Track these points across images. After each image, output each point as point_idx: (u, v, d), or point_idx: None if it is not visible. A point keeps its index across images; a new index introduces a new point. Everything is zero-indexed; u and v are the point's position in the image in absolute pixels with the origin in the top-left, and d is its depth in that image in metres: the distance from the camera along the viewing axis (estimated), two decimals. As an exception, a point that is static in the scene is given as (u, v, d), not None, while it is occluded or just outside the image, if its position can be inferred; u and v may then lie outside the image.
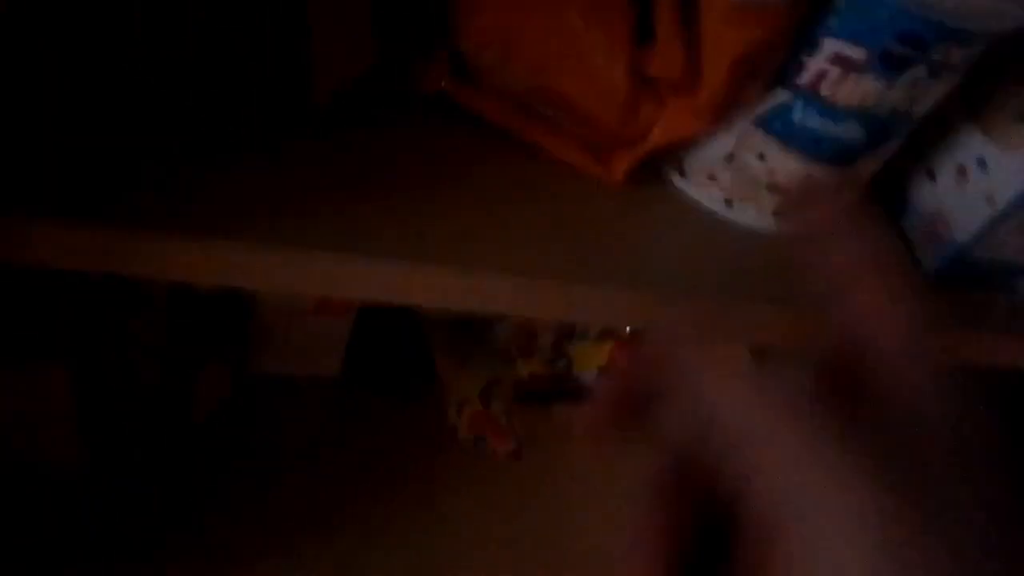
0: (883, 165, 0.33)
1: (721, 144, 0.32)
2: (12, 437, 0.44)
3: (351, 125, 0.31)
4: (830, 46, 0.28)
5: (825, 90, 0.29)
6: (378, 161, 0.31)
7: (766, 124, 0.30)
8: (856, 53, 0.28)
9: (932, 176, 0.35)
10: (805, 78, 0.29)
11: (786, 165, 0.31)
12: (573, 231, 0.31)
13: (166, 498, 0.48)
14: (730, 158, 0.32)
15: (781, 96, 0.30)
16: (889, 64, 0.28)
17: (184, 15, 0.27)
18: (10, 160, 0.26)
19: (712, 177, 0.33)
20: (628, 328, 0.54)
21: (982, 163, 0.32)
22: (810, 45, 0.28)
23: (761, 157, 0.31)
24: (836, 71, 0.28)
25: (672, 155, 0.33)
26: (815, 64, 0.29)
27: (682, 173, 0.34)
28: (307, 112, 0.30)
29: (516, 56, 0.30)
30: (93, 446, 0.46)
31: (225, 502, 0.50)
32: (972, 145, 0.33)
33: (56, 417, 0.44)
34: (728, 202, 0.33)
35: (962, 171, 0.33)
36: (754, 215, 0.33)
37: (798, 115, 0.30)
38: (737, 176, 0.32)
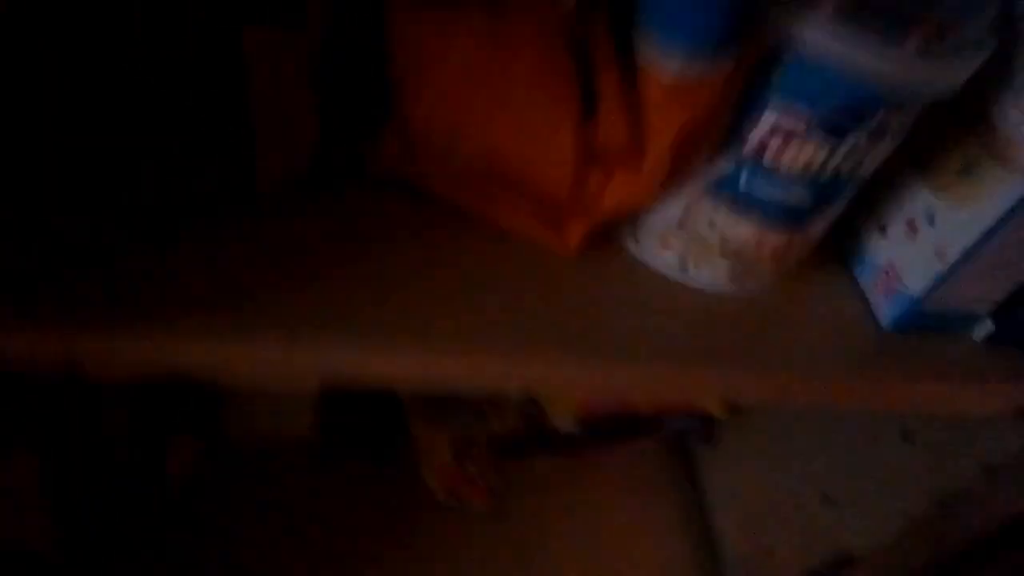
0: (835, 220, 0.33)
1: (671, 211, 0.32)
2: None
3: (298, 206, 0.31)
4: (770, 117, 0.28)
5: (769, 158, 0.29)
6: (325, 241, 0.31)
7: (714, 191, 0.31)
8: (795, 123, 0.28)
9: (883, 231, 0.35)
10: (748, 148, 0.29)
11: (736, 230, 0.31)
12: (529, 302, 0.31)
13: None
14: (681, 224, 0.32)
15: (726, 165, 0.30)
16: (829, 131, 0.28)
17: (121, 106, 0.27)
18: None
19: (665, 243, 0.33)
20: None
21: (930, 217, 0.33)
22: (750, 116, 0.29)
23: (711, 223, 0.31)
24: (778, 140, 0.29)
25: (625, 222, 0.34)
26: (757, 134, 0.29)
27: (636, 239, 0.34)
28: (251, 199, 0.30)
29: (464, 135, 0.31)
30: (66, 529, 0.46)
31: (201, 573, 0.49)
32: (920, 199, 0.33)
33: (26, 503, 0.43)
34: (683, 266, 0.33)
35: (912, 225, 0.34)
36: (709, 278, 0.33)
37: (744, 182, 0.30)
38: (689, 241, 0.32)
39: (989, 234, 0.30)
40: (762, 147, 0.29)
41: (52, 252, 0.27)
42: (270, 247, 0.30)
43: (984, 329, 0.35)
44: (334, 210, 0.32)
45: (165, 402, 0.47)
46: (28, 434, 0.42)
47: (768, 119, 0.28)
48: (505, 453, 0.57)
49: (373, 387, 0.30)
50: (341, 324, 0.28)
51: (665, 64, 0.27)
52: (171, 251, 0.28)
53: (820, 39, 0.26)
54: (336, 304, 0.29)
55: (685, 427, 0.61)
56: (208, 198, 0.29)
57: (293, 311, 0.28)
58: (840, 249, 0.38)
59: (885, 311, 0.35)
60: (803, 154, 0.29)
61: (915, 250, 0.34)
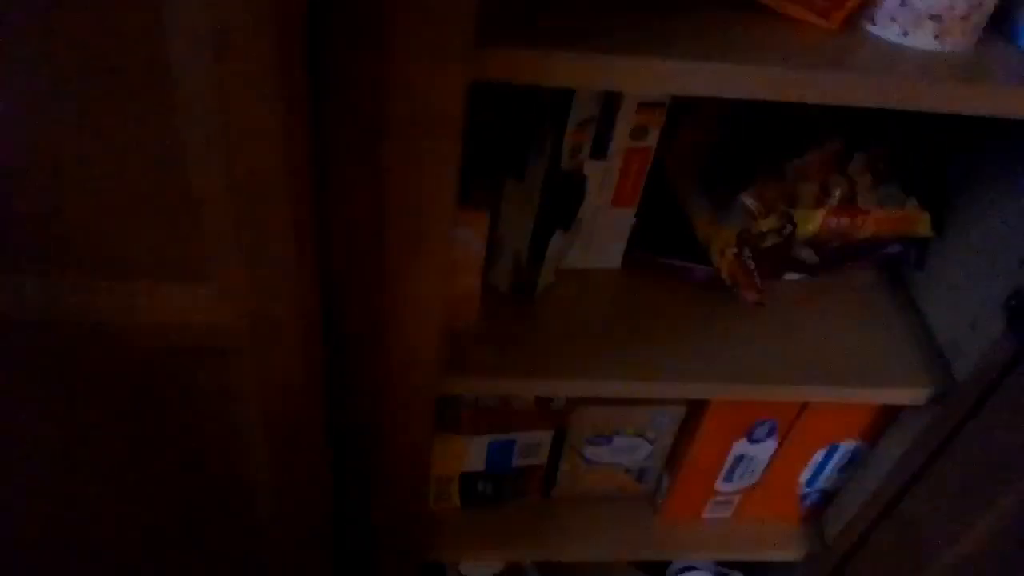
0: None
1: (896, -5, 0.55)
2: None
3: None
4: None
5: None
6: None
7: (923, -24, 0.53)
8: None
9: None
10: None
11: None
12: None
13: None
14: (903, 3, 0.55)
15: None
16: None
17: None
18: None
19: (893, 18, 0.56)
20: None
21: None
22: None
23: (922, -4, 0.54)
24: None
25: (866, 9, 0.57)
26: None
27: (872, 21, 0.57)
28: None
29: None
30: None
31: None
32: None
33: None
34: (904, 34, 0.56)
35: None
36: (923, 40, 0.56)
37: (941, -35, 0.53)
38: (908, 13, 0.55)
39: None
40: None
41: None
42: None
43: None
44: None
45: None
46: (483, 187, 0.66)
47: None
48: (762, 270, 0.79)
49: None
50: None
51: None
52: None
53: None
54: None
55: (900, 252, 0.81)
56: None
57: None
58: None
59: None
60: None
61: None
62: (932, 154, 0.80)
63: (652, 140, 0.71)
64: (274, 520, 0.72)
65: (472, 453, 0.89)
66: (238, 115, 0.42)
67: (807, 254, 0.80)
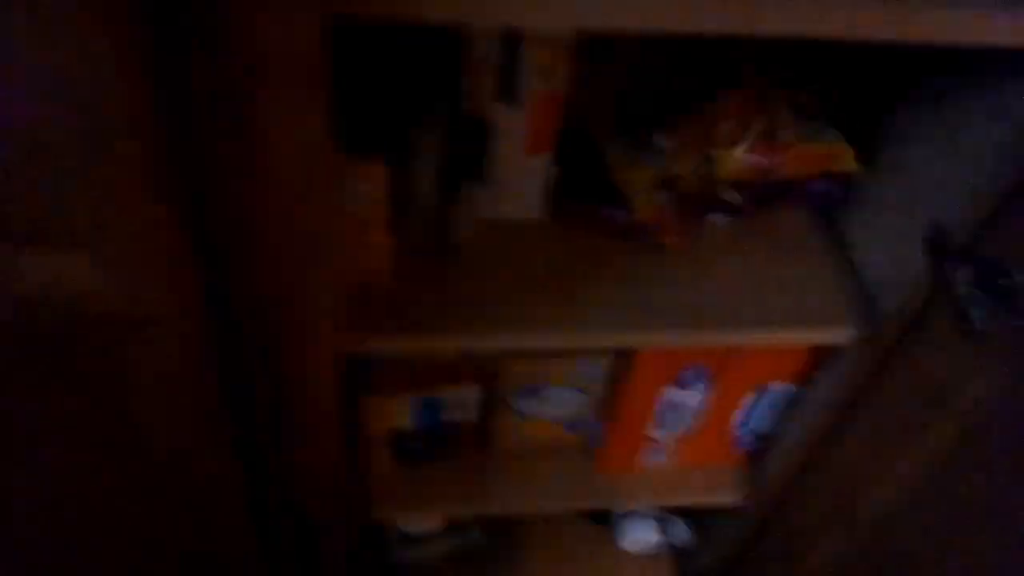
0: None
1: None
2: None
3: None
4: None
5: None
6: None
7: None
8: None
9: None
10: None
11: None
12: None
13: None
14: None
15: None
16: None
17: None
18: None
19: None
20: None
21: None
22: None
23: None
24: None
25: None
26: None
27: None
28: None
29: None
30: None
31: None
32: None
33: (372, 218, 0.66)
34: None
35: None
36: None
37: None
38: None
39: None
40: None
41: None
42: None
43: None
44: None
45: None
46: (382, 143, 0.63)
47: None
48: (685, 213, 0.77)
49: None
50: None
51: None
52: None
53: None
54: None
55: (825, 190, 0.79)
56: None
57: None
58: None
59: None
60: None
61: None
62: (858, 88, 0.77)
63: (561, 82, 0.67)
64: (186, 496, 0.70)
65: (399, 412, 0.87)
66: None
67: (731, 195, 0.78)
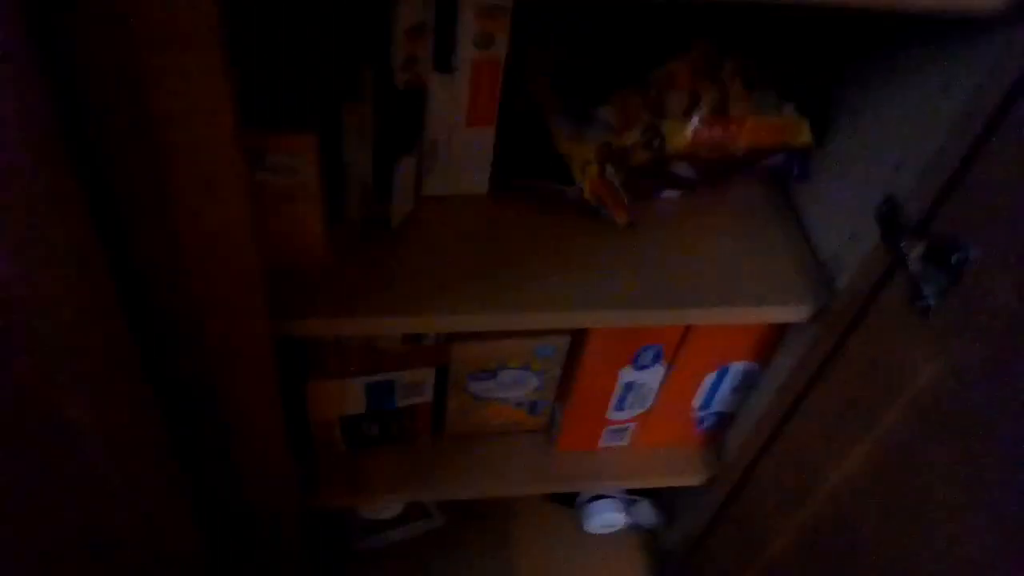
0: None
1: None
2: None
3: None
4: None
5: None
6: None
7: None
8: None
9: None
10: None
11: None
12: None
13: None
14: None
15: None
16: None
17: None
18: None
19: None
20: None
21: None
22: None
23: None
24: None
25: None
26: None
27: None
28: None
29: None
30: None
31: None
32: None
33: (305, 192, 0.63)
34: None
35: None
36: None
37: None
38: None
39: None
40: None
41: None
42: None
43: None
44: None
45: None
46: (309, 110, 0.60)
47: None
48: (638, 187, 0.74)
49: None
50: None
51: None
52: None
53: None
54: None
55: (783, 164, 0.76)
56: None
57: None
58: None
59: None
60: None
61: None
62: (812, 58, 0.74)
63: (500, 49, 0.64)
64: (122, 490, 0.67)
65: (348, 395, 0.84)
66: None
67: (683, 169, 0.75)
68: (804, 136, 0.73)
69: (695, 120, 0.70)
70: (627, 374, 0.85)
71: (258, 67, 0.58)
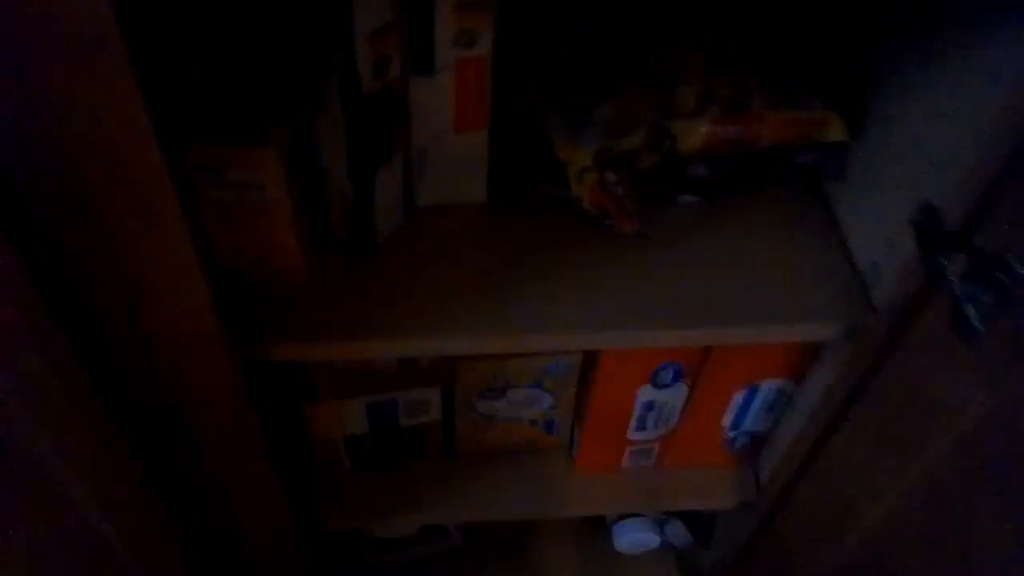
0: None
1: None
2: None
3: None
4: None
5: None
6: None
7: None
8: None
9: None
10: None
11: None
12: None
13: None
14: None
15: None
16: None
17: None
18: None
19: None
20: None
21: None
22: None
23: None
24: None
25: None
26: None
27: None
28: None
29: None
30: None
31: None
32: None
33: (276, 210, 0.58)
34: None
35: None
36: None
37: None
38: None
39: None
40: None
41: None
42: None
43: None
44: None
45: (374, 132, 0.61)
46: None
47: None
48: (649, 193, 0.67)
49: None
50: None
51: None
52: None
53: None
54: None
55: (815, 162, 0.68)
56: None
57: None
58: None
59: None
60: None
61: None
62: (839, 44, 0.66)
63: (485, 48, 0.58)
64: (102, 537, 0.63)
65: (349, 416, 0.80)
66: None
67: (701, 171, 0.68)
68: (837, 131, 0.65)
69: (709, 119, 0.62)
70: (646, 393, 0.78)
71: (217, 79, 0.54)
